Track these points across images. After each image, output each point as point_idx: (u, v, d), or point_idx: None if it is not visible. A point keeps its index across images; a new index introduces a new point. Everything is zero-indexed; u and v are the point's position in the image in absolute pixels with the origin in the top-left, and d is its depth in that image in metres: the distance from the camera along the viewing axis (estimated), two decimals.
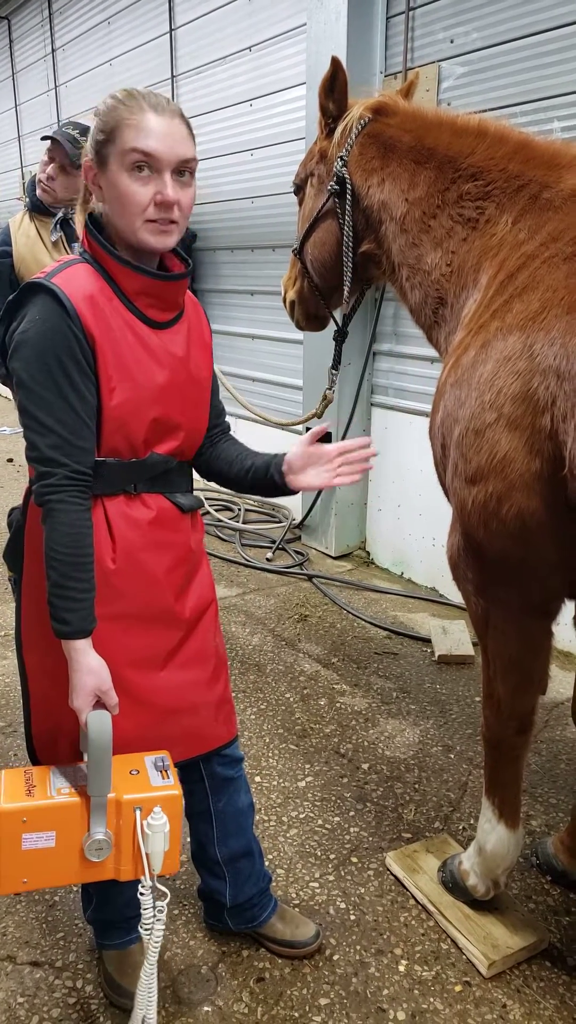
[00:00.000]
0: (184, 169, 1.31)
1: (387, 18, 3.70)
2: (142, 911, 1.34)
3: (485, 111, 3.25)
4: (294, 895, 2.06)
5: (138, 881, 1.57)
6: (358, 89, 3.66)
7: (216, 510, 5.02)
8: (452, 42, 3.38)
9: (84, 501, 1.33)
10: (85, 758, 1.33)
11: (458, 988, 1.79)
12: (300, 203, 2.20)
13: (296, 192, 2.22)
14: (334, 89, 1.95)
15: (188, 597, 1.56)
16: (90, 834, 1.32)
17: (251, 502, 5.19)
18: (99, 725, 1.30)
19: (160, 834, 1.31)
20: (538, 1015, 1.72)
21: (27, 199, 2.88)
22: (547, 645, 1.71)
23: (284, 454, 1.58)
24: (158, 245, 1.35)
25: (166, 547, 1.50)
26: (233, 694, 2.96)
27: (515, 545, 1.56)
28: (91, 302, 1.31)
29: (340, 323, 2.32)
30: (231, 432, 1.71)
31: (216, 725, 1.65)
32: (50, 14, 7.38)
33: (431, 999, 1.76)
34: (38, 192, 2.79)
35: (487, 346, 1.58)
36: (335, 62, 1.92)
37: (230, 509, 5.09)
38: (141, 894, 1.34)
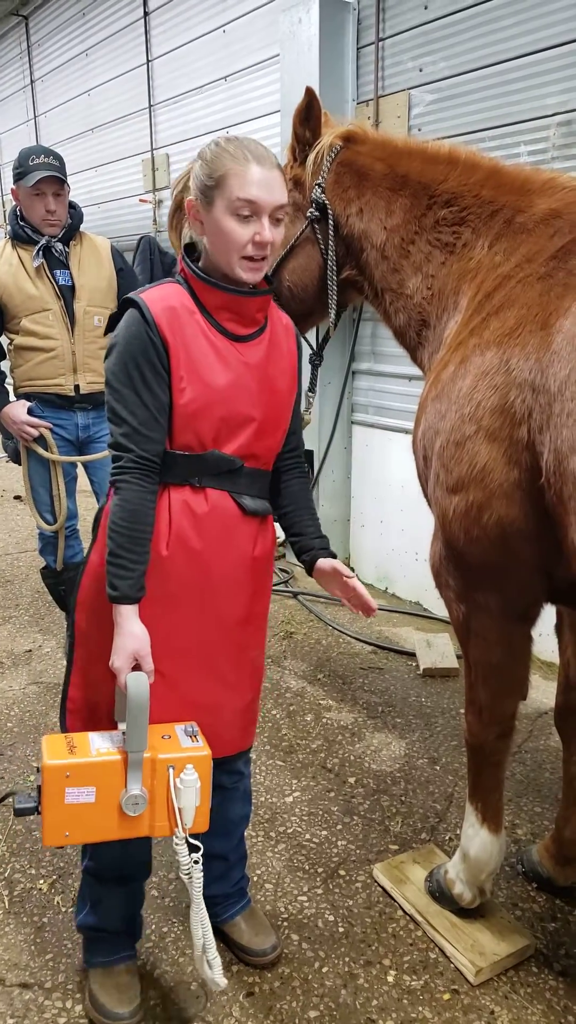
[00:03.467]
0: (279, 213, 1.49)
1: (358, 48, 3.82)
2: (179, 860, 1.44)
3: (455, 136, 3.36)
4: (283, 909, 2.06)
5: (130, 893, 1.68)
6: (330, 117, 3.76)
7: None
8: (421, 71, 3.49)
9: (147, 484, 1.49)
10: (120, 725, 1.46)
11: (446, 996, 1.80)
12: None
13: None
14: (309, 118, 2.00)
15: (238, 601, 1.62)
16: (127, 789, 1.42)
17: None
18: (138, 685, 1.41)
19: (192, 789, 1.41)
20: (525, 1020, 1.73)
21: (8, 228, 2.93)
22: (527, 651, 1.74)
23: (325, 552, 1.71)
24: (250, 280, 1.52)
25: (223, 545, 1.58)
26: None
27: (495, 552, 1.60)
28: (170, 312, 1.48)
29: (315, 347, 2.31)
30: (306, 474, 1.82)
31: (232, 731, 1.69)
32: (28, 47, 7.49)
33: (420, 1008, 1.77)
34: (45, 229, 2.87)
35: (466, 361, 1.63)
36: (309, 92, 1.98)
37: None
38: (176, 845, 1.43)
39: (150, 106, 5.75)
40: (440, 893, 1.99)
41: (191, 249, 1.59)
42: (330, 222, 1.97)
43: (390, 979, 1.85)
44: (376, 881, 2.14)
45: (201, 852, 1.45)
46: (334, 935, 1.98)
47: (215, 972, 1.49)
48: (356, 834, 2.34)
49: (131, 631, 1.47)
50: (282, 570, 4.43)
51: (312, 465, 4.33)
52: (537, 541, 1.55)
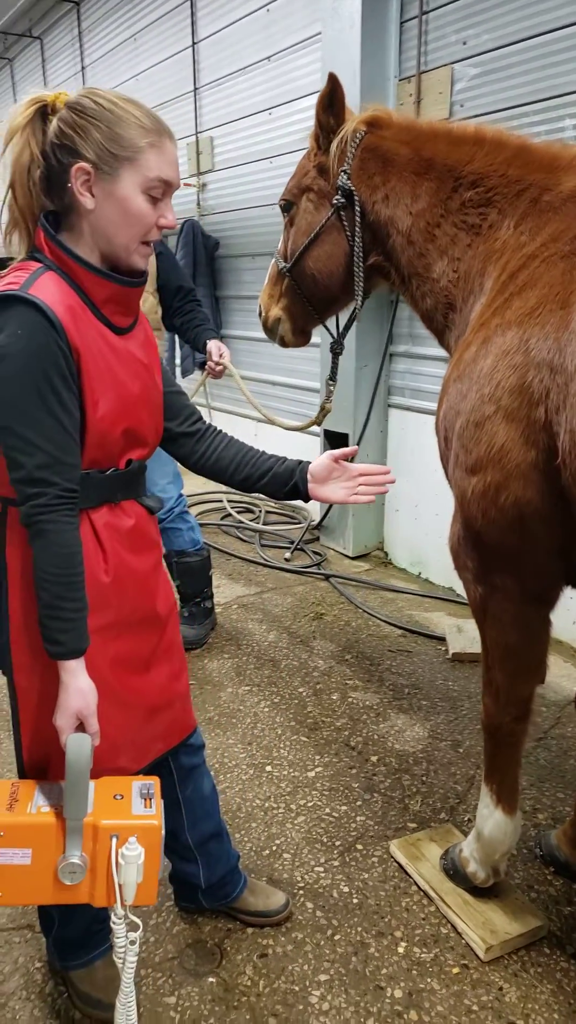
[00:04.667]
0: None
1: (400, 23, 3.76)
2: (115, 940, 1.34)
3: (498, 111, 3.30)
4: (299, 878, 2.11)
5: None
6: (371, 94, 3.72)
7: (237, 512, 5.09)
8: (464, 44, 3.42)
9: (74, 519, 1.32)
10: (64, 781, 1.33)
11: (455, 970, 1.82)
12: (291, 220, 2.16)
13: (286, 209, 2.18)
14: (332, 104, 1.98)
15: (160, 594, 1.57)
16: (65, 856, 1.31)
17: (271, 504, 5.26)
18: (78, 748, 1.30)
19: (133, 865, 1.30)
20: (534, 999, 1.75)
21: None
22: (545, 634, 1.74)
23: (308, 463, 1.62)
24: (143, 267, 1.39)
25: (145, 550, 1.52)
26: (247, 687, 3.05)
27: (512, 533, 1.60)
28: (71, 313, 1.29)
29: (336, 335, 2.30)
30: (219, 430, 1.70)
31: (186, 715, 1.69)
32: (80, 32, 7.57)
33: (428, 979, 1.80)
34: None
35: (487, 342, 1.63)
36: (332, 78, 1.96)
37: (251, 511, 5.16)
38: (114, 923, 1.33)
39: (195, 89, 5.77)
40: (454, 871, 2.01)
41: (53, 221, 1.36)
42: (356, 209, 1.96)
43: (400, 950, 1.88)
44: (392, 857, 2.17)
45: (139, 931, 1.35)
46: (348, 905, 2.02)
47: None
48: (375, 811, 2.37)
49: (77, 687, 1.33)
50: (315, 552, 4.46)
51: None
52: (554, 523, 1.55)
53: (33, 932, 1.95)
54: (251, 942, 1.91)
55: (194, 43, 5.67)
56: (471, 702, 2.98)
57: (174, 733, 1.66)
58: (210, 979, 1.82)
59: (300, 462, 1.65)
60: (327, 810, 2.38)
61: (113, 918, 1.34)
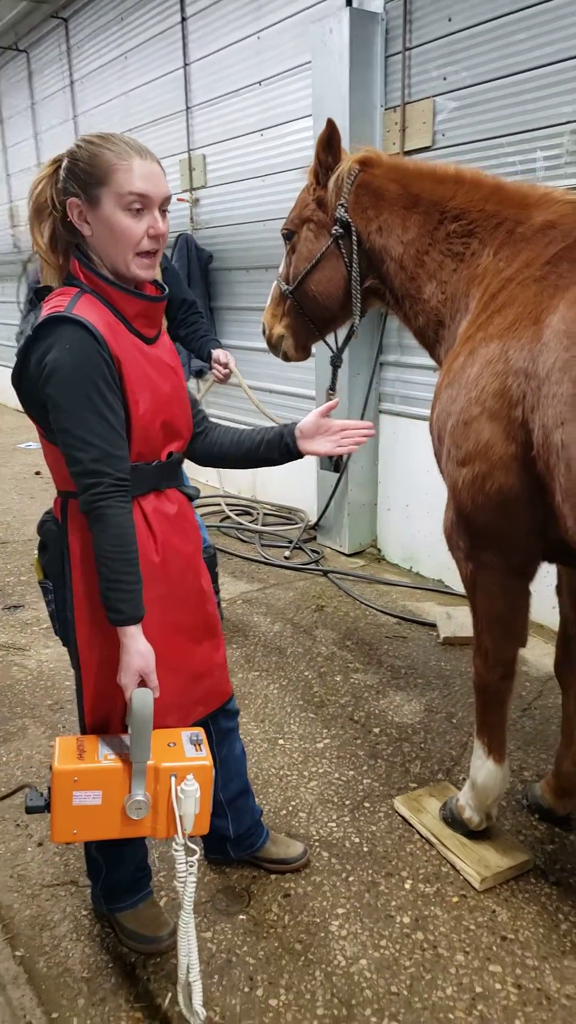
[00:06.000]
0: (166, 205, 1.55)
1: (385, 57, 4.06)
2: (176, 866, 1.55)
3: (476, 142, 3.60)
4: (314, 832, 2.37)
5: (140, 845, 1.89)
6: (359, 122, 4.01)
7: (236, 514, 5.35)
8: (445, 79, 3.73)
9: (127, 504, 1.52)
10: (129, 730, 1.56)
11: (455, 899, 2.09)
12: (293, 247, 2.40)
13: (288, 237, 2.42)
14: (331, 145, 2.24)
15: (203, 573, 1.83)
16: (131, 795, 1.52)
17: (268, 507, 5.52)
18: (142, 701, 1.51)
19: (192, 799, 1.52)
20: (522, 917, 2.02)
21: None
22: (526, 602, 2.02)
23: (296, 422, 1.81)
24: (147, 277, 1.57)
25: (188, 533, 1.76)
26: (257, 673, 3.32)
27: (497, 516, 1.88)
28: (109, 329, 1.50)
29: (336, 350, 2.55)
30: (216, 423, 1.90)
31: (224, 682, 1.93)
32: (68, 48, 7.81)
33: (432, 908, 2.06)
34: None
35: (473, 353, 1.90)
36: (330, 124, 2.23)
37: (249, 513, 5.42)
38: (175, 851, 1.55)
39: (187, 108, 6.03)
40: (452, 819, 2.27)
41: (80, 255, 1.56)
42: (354, 238, 2.23)
43: (407, 886, 2.14)
44: (396, 811, 2.44)
45: (197, 856, 1.56)
46: (359, 853, 2.28)
47: (195, 1000, 1.56)
48: (380, 774, 2.63)
49: (137, 650, 1.53)
50: (313, 551, 4.72)
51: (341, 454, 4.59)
52: (532, 506, 1.82)
53: (77, 886, 2.19)
54: (275, 886, 2.16)
55: (186, 64, 5.94)
56: (462, 680, 3.26)
57: (214, 698, 1.90)
58: (241, 916, 2.07)
59: (287, 424, 1.83)
60: (336, 775, 2.64)
61: (174, 846, 1.56)
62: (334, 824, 2.41)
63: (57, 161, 1.56)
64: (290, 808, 2.48)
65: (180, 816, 1.53)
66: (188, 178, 6.11)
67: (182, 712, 1.80)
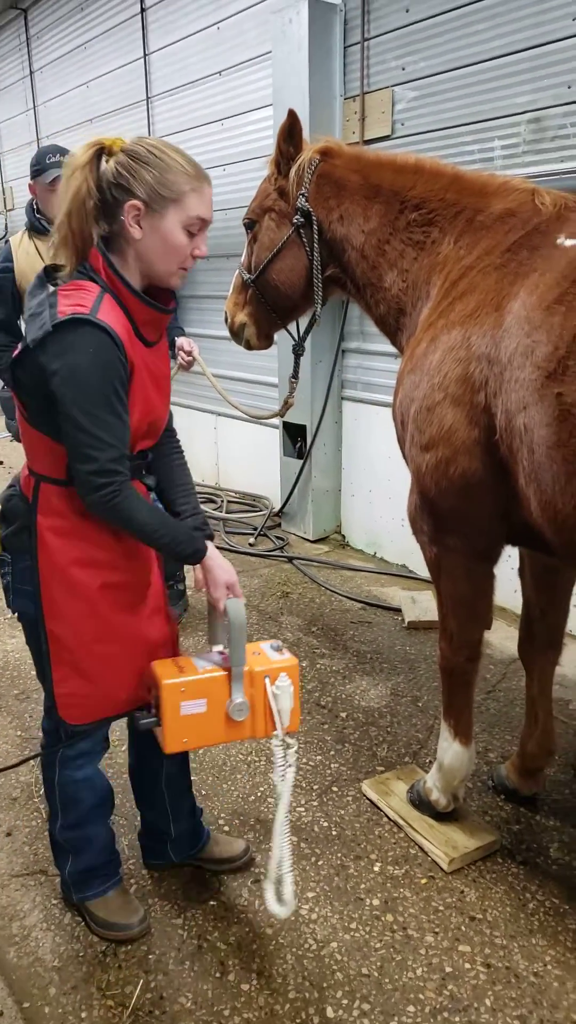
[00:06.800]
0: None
1: (344, 47, 4.05)
2: (275, 760, 1.70)
3: (435, 131, 3.62)
4: None
5: (107, 829, 1.97)
6: (319, 111, 4.00)
7: (200, 502, 5.31)
8: (403, 69, 3.74)
9: (133, 487, 1.61)
10: (214, 647, 1.76)
11: (423, 881, 2.12)
12: (254, 236, 2.39)
13: (249, 227, 2.41)
14: (293, 135, 2.23)
15: (152, 556, 1.85)
16: (232, 698, 1.67)
17: (232, 494, 5.51)
18: (238, 610, 1.67)
19: (287, 694, 1.67)
20: (490, 897, 2.06)
21: (26, 220, 3.18)
22: (490, 585, 2.05)
23: (200, 536, 1.78)
24: (178, 287, 1.69)
25: None
26: None
27: (461, 500, 1.90)
28: (127, 333, 1.56)
29: (298, 338, 2.54)
30: (180, 448, 1.95)
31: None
32: (27, 38, 7.65)
33: (401, 890, 2.09)
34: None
35: (435, 339, 1.92)
36: (292, 114, 2.22)
37: (213, 501, 5.40)
38: (275, 746, 1.70)
39: (148, 98, 5.96)
40: (420, 801, 2.30)
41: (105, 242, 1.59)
42: (315, 227, 2.22)
43: (376, 869, 2.17)
44: (364, 795, 2.46)
45: (295, 748, 1.71)
46: (328, 836, 2.30)
47: (287, 891, 1.67)
48: (347, 758, 2.66)
49: (221, 563, 1.72)
50: (278, 537, 4.73)
51: (305, 439, 4.62)
52: (495, 489, 1.85)
53: (47, 876, 2.17)
54: (245, 872, 2.17)
55: (146, 54, 5.86)
56: (427, 664, 3.30)
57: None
58: (211, 902, 2.07)
59: (194, 530, 1.79)
60: (304, 760, 2.65)
61: (273, 743, 1.70)
62: (303, 809, 2.42)
63: (97, 145, 1.55)
64: (258, 794, 2.49)
65: (278, 711, 1.68)
66: None
67: (143, 684, 1.80)
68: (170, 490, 1.89)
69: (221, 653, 1.75)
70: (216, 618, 1.81)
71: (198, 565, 1.74)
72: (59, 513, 1.66)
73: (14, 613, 1.80)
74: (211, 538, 1.83)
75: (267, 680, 1.68)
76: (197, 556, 1.70)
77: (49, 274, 1.61)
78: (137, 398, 1.62)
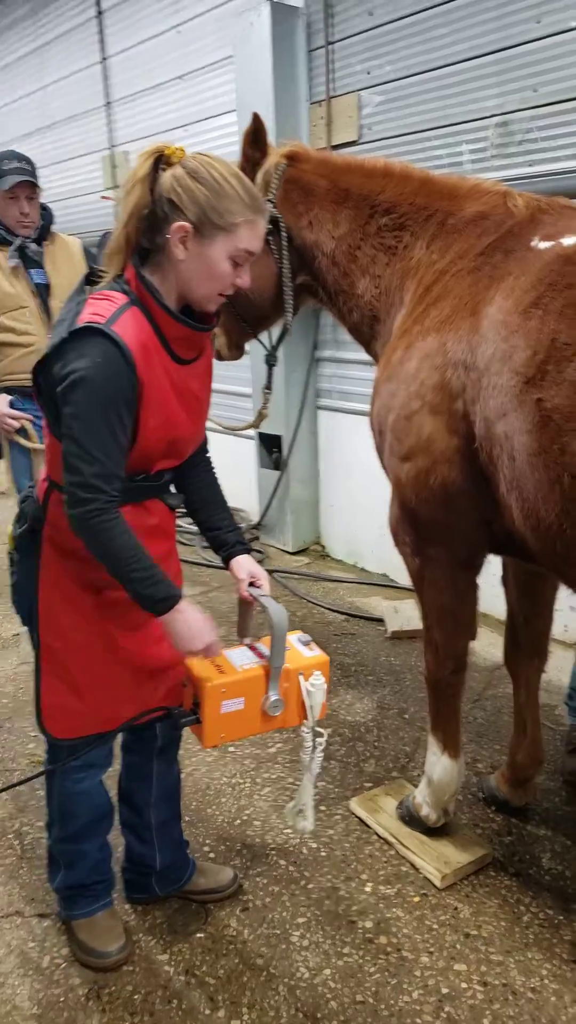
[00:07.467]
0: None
1: (309, 51, 4.02)
2: (304, 745, 1.74)
3: (403, 135, 3.60)
4: (270, 841, 2.31)
5: (101, 847, 1.94)
6: (285, 116, 3.96)
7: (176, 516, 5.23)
8: (368, 73, 3.72)
9: (119, 513, 1.53)
10: (245, 641, 1.79)
11: (416, 899, 2.07)
12: None
13: None
14: (258, 140, 2.18)
15: (170, 576, 1.77)
16: (268, 695, 1.68)
17: None
18: (280, 614, 1.68)
19: (320, 691, 1.71)
20: (484, 912, 2.01)
21: None
22: (474, 595, 2.01)
23: (240, 549, 1.83)
24: (213, 310, 1.62)
25: (162, 538, 1.75)
26: None
27: (442, 509, 1.86)
28: (144, 350, 1.50)
29: (270, 348, 2.46)
30: (212, 468, 1.89)
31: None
32: None
33: (394, 909, 2.04)
34: (19, 231, 3.06)
35: (411, 346, 1.88)
36: (256, 118, 2.16)
37: None
38: (304, 733, 1.74)
39: (107, 104, 5.89)
40: (410, 817, 2.25)
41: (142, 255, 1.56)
42: (283, 234, 2.17)
43: (367, 889, 2.11)
44: (353, 813, 2.40)
45: (325, 737, 1.75)
46: (317, 858, 2.23)
47: (309, 811, 1.83)
48: (334, 775, 2.60)
49: (188, 624, 1.58)
50: (257, 550, 4.66)
51: (281, 450, 4.56)
52: (476, 498, 1.81)
53: (23, 917, 2.08)
54: (232, 900, 2.10)
55: (104, 59, 5.79)
56: (412, 675, 3.25)
57: (176, 694, 1.82)
58: (198, 935, 2.00)
59: (235, 544, 1.84)
60: (290, 780, 2.59)
61: (303, 730, 1.74)
62: (290, 831, 2.35)
63: (157, 152, 1.51)
64: (244, 818, 2.42)
65: (311, 707, 1.71)
66: (111, 176, 5.97)
67: (138, 705, 1.76)
68: (204, 509, 1.86)
69: (251, 647, 1.76)
70: (247, 612, 1.84)
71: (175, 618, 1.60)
72: (64, 521, 1.61)
73: (17, 613, 1.80)
74: (249, 551, 1.85)
75: (300, 677, 1.71)
76: (167, 604, 1.55)
77: (91, 280, 1.58)
78: (155, 414, 1.55)
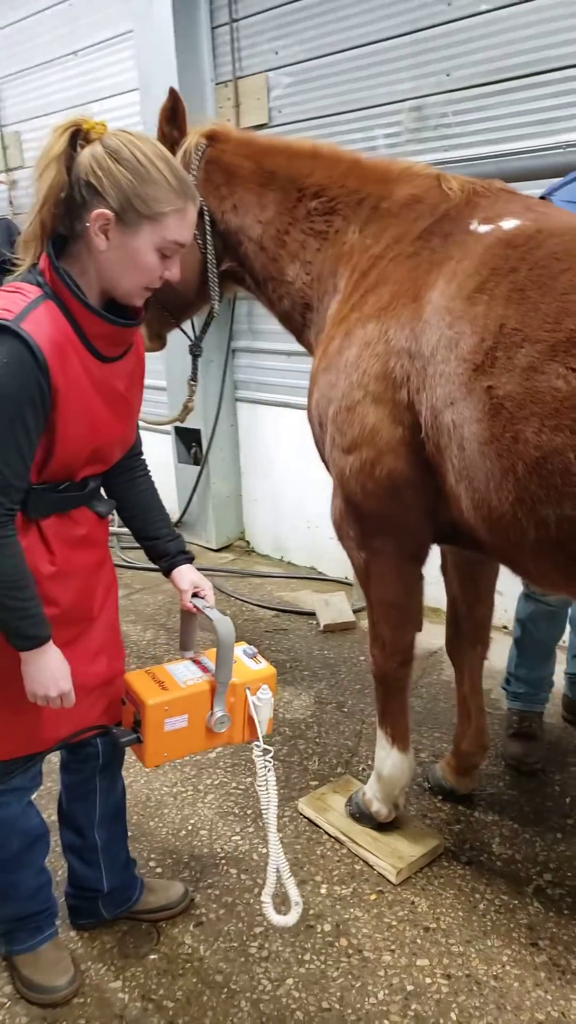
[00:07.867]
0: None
1: (212, 28, 3.89)
2: (257, 770, 1.63)
3: (315, 119, 3.54)
4: (219, 850, 2.23)
5: (38, 873, 1.80)
6: (190, 97, 3.83)
7: None
8: (277, 53, 3.62)
9: (14, 531, 1.42)
10: (186, 654, 1.73)
11: (373, 897, 2.04)
12: None
13: None
14: (175, 117, 2.04)
15: (100, 589, 1.68)
16: (214, 711, 1.62)
17: None
18: (227, 630, 1.60)
19: (268, 705, 1.66)
20: (441, 904, 2.01)
21: None
22: (420, 588, 1.98)
23: (181, 559, 1.75)
24: (140, 304, 1.50)
25: (92, 548, 1.64)
26: None
27: (388, 502, 1.81)
28: (59, 350, 1.36)
29: (193, 337, 2.34)
30: (147, 471, 1.79)
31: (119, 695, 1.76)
32: None
33: (351, 910, 2.00)
34: None
35: (350, 334, 1.82)
36: (173, 93, 2.03)
37: None
38: (257, 755, 1.64)
39: None
40: (360, 813, 2.22)
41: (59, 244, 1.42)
42: (206, 218, 2.06)
43: (323, 891, 2.06)
44: (301, 813, 2.35)
45: (271, 755, 1.65)
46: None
47: (292, 895, 1.63)
48: (278, 776, 2.53)
49: (47, 670, 1.48)
50: None
51: (200, 444, 4.44)
52: (422, 489, 1.77)
53: None
54: (185, 915, 2.01)
55: None
56: (347, 667, 3.23)
57: (116, 709, 1.71)
58: (152, 956, 1.90)
59: (176, 555, 1.75)
60: (233, 784, 2.51)
61: (255, 752, 1.64)
62: (238, 837, 2.28)
63: (73, 127, 1.36)
64: (189, 827, 2.32)
65: (259, 722, 1.64)
66: (2, 157, 5.62)
67: (74, 724, 1.65)
68: (141, 516, 1.77)
69: (195, 661, 1.70)
70: (190, 624, 1.78)
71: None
72: None
73: None
74: (191, 560, 1.78)
75: (247, 691, 1.64)
76: (32, 642, 1.45)
77: (5, 270, 1.42)
78: (75, 421, 1.43)
